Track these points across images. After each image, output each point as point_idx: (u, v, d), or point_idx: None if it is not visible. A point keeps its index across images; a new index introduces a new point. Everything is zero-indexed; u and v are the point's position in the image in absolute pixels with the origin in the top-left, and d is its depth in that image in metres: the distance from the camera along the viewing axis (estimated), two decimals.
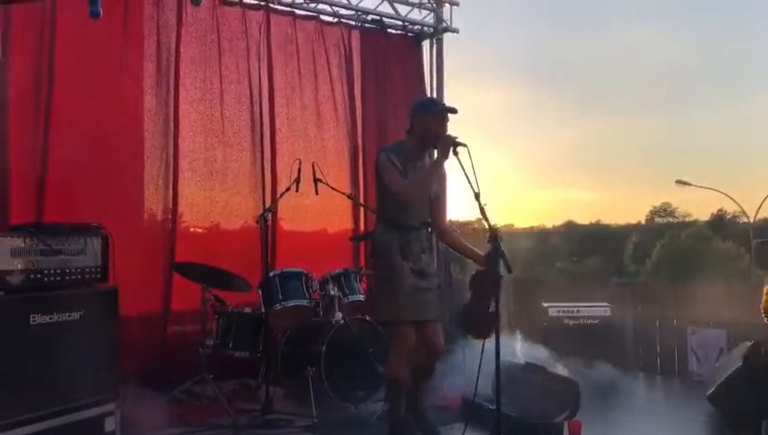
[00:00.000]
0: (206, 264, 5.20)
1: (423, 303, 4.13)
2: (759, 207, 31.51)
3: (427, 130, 4.12)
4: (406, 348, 4.06)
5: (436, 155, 4.36)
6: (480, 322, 3.80)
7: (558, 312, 6.25)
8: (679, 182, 33.51)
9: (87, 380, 3.81)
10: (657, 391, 6.32)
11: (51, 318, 3.67)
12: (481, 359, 3.76)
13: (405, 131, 4.29)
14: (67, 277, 3.85)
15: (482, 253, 4.03)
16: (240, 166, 6.25)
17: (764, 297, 3.89)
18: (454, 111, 4.17)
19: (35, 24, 5.13)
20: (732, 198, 34.63)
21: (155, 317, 5.66)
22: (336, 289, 5.35)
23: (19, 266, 3.63)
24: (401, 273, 4.07)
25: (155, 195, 5.78)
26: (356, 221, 6.96)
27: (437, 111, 4.22)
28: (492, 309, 3.68)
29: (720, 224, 53.09)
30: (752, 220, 32.58)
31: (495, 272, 3.66)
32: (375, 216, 4.32)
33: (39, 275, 3.72)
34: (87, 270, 3.96)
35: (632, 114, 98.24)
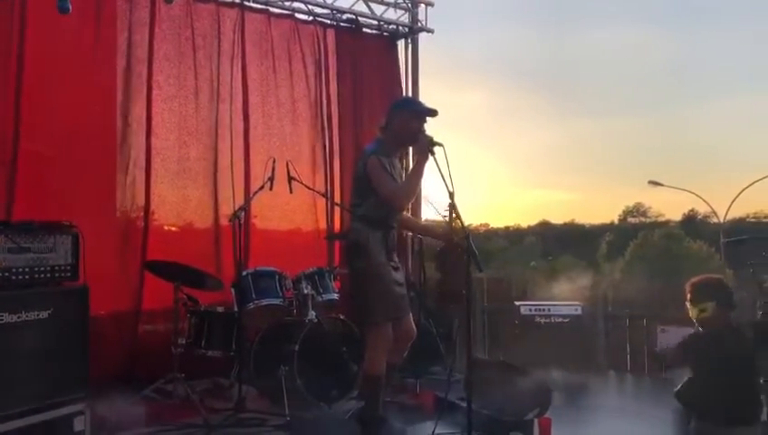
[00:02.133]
0: (178, 262, 5.14)
1: (401, 297, 4.23)
2: (728, 208, 32.11)
3: (406, 128, 4.13)
4: (386, 345, 4.14)
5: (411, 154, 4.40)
6: (456, 292, 3.86)
7: (530, 310, 6.31)
8: (652, 183, 33.94)
9: (56, 379, 3.77)
10: (627, 390, 6.39)
11: (19, 317, 3.63)
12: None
13: (379, 127, 4.30)
14: (36, 276, 3.80)
15: (438, 228, 4.11)
16: (213, 164, 6.20)
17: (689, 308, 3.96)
18: (435, 113, 4.18)
19: (5, 19, 5.04)
20: (703, 199, 35.24)
21: (126, 316, 5.61)
22: (310, 288, 5.34)
23: None
24: (387, 272, 4.14)
25: (127, 192, 5.72)
26: (330, 220, 6.96)
27: (420, 111, 4.21)
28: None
29: (691, 224, 53.96)
30: (722, 221, 33.13)
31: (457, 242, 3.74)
32: (353, 214, 4.30)
33: (7, 274, 3.67)
34: (57, 268, 3.91)
35: (607, 116, 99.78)
